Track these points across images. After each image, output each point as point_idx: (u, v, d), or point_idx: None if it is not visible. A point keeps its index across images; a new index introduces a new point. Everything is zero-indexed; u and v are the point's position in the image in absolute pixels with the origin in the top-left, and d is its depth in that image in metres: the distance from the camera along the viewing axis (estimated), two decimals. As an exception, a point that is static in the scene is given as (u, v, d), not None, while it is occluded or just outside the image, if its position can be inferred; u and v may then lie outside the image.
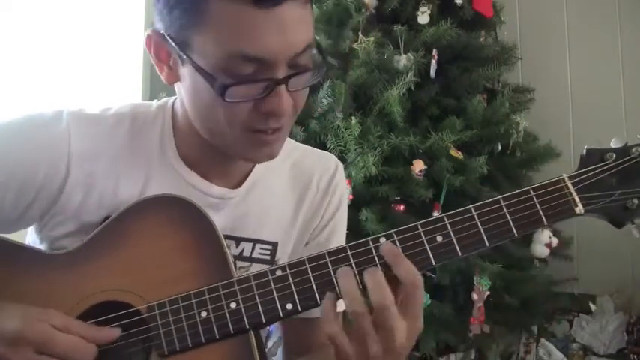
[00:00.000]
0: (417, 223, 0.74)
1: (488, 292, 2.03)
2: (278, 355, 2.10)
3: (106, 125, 0.85)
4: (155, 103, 0.91)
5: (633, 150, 0.76)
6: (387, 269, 0.71)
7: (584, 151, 0.77)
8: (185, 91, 0.80)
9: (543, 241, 2.20)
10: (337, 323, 0.70)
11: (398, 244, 0.73)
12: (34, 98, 2.25)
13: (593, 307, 2.63)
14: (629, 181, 0.75)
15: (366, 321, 0.69)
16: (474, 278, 2.02)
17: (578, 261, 2.65)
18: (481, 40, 2.37)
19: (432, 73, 2.15)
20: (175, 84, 0.83)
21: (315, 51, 0.77)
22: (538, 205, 0.74)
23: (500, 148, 2.28)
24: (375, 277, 0.70)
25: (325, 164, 0.99)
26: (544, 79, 2.74)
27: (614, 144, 0.77)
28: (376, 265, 0.72)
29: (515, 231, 0.74)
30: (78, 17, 2.45)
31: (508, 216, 0.74)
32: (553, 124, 2.66)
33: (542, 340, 2.45)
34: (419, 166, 2.01)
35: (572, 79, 2.95)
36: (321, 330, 0.95)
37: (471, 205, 0.75)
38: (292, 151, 0.98)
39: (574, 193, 0.75)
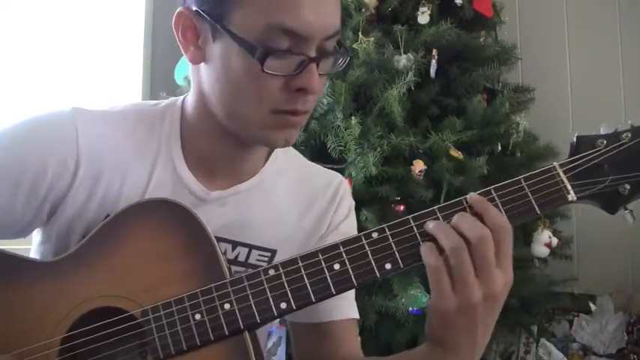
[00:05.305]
0: (409, 216, 0.74)
1: (488, 292, 2.03)
2: (278, 355, 2.11)
3: (113, 121, 0.86)
4: (163, 102, 0.91)
5: (623, 135, 0.76)
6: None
7: (575, 139, 0.77)
8: (212, 71, 0.80)
9: (543, 241, 2.20)
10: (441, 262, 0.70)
11: (390, 238, 0.74)
12: (35, 98, 2.25)
13: (593, 307, 2.63)
14: (621, 166, 0.75)
15: (466, 257, 0.69)
16: (474, 278, 2.02)
17: (578, 261, 2.65)
18: (481, 40, 2.36)
19: (432, 73, 2.14)
20: (195, 67, 0.83)
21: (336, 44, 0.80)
22: (530, 195, 0.74)
23: (500, 148, 2.27)
24: (466, 216, 0.71)
25: (330, 178, 1.00)
26: (544, 79, 2.73)
27: (604, 130, 0.77)
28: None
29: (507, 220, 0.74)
30: (78, 17, 2.45)
31: (500, 206, 0.74)
32: (553, 124, 2.66)
33: (542, 340, 2.45)
34: (419, 166, 2.01)
35: (572, 79, 2.95)
36: (334, 336, 0.95)
37: (462, 197, 0.75)
38: (299, 161, 0.99)
39: (565, 181, 0.75)
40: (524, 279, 2.19)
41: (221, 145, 0.86)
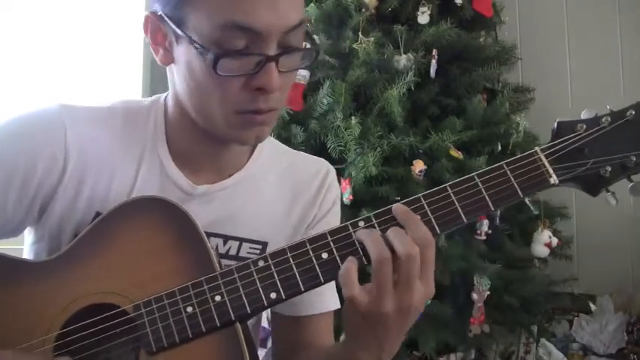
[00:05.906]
0: (397, 204, 0.75)
1: (488, 292, 2.03)
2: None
3: (100, 118, 0.86)
4: (148, 99, 0.92)
5: (603, 120, 0.77)
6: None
7: (556, 124, 0.79)
8: (179, 73, 0.81)
9: (543, 241, 2.20)
10: (357, 284, 0.71)
11: (377, 226, 0.74)
12: (34, 98, 2.25)
13: (593, 307, 2.63)
14: (601, 149, 0.76)
15: (388, 270, 0.69)
16: (474, 278, 2.02)
17: (578, 261, 2.65)
18: (481, 40, 2.36)
19: (432, 73, 2.14)
20: (169, 68, 0.84)
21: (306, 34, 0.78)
22: (513, 179, 0.76)
23: (500, 148, 2.27)
24: (399, 232, 0.71)
25: (318, 167, 1.00)
26: (544, 79, 2.74)
27: (584, 115, 0.79)
28: (357, 250, 0.74)
29: (491, 205, 0.75)
30: (78, 17, 2.45)
31: (484, 191, 0.75)
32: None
33: (542, 340, 2.45)
34: (419, 166, 2.01)
35: (572, 78, 2.96)
36: (309, 329, 0.97)
37: (446, 184, 0.76)
38: (286, 153, 1.00)
39: (547, 165, 0.76)
40: (524, 279, 2.19)
41: (200, 142, 0.87)
